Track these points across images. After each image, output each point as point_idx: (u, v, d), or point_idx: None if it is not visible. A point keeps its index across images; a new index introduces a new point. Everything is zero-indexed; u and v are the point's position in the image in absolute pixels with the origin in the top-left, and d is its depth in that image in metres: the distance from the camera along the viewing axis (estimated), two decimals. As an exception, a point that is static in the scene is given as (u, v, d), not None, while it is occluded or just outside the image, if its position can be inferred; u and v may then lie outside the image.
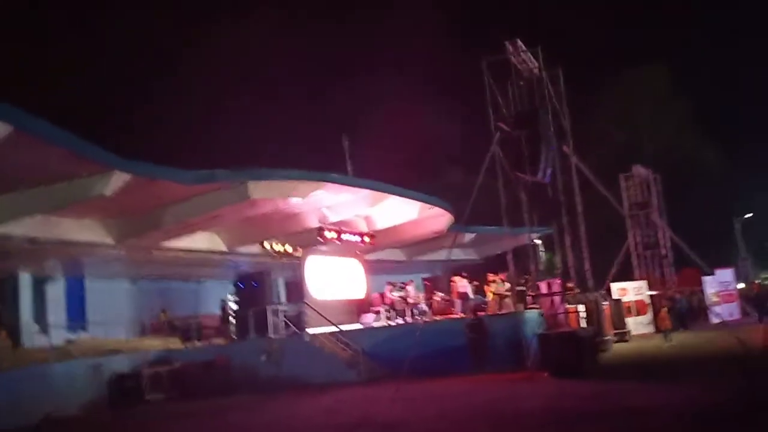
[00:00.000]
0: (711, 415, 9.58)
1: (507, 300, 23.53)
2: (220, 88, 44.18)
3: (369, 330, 23.11)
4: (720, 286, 30.47)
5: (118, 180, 17.38)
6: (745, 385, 11.64)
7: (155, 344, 23.47)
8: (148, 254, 23.48)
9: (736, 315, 29.87)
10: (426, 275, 32.62)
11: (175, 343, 22.88)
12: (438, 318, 24.37)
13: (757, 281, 35.52)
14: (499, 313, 22.64)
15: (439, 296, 26.51)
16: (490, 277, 24.63)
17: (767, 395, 10.50)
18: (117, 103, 40.92)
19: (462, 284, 24.60)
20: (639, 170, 34.26)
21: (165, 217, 21.02)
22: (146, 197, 19.65)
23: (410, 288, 26.01)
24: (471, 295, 24.70)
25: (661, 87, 48.80)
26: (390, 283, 25.91)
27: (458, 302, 24.78)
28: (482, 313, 22.02)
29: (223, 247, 25.68)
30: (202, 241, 24.71)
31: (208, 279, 30.02)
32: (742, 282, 36.20)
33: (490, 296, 24.06)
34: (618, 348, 22.46)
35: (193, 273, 28.86)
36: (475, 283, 25.06)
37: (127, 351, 21.67)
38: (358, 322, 25.54)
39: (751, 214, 45.38)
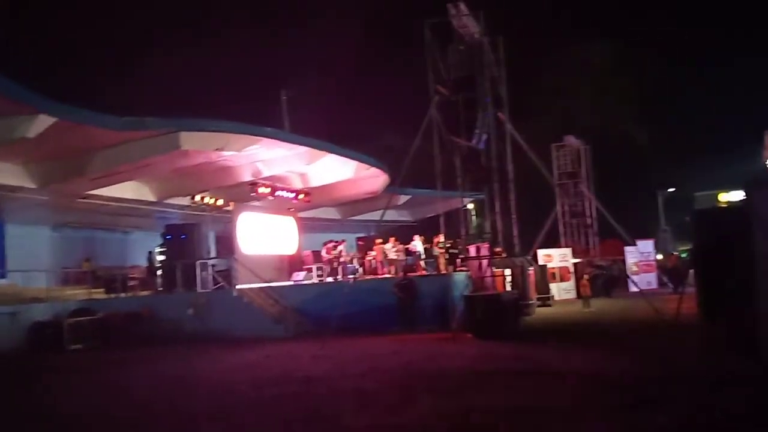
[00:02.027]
0: (614, 380, 10.05)
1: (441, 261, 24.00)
2: (155, 38, 42.63)
3: (299, 287, 23.14)
4: (640, 257, 31.78)
5: (42, 123, 16.69)
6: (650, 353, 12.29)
7: (78, 294, 22.92)
8: (72, 201, 22.78)
9: (654, 285, 31.25)
10: (360, 235, 32.76)
11: (98, 294, 22.39)
12: (369, 277, 24.60)
13: (674, 253, 37.11)
14: (431, 273, 23.08)
15: (371, 256, 26.70)
16: (415, 238, 25.00)
17: (671, 365, 11.09)
18: (45, 46, 39.03)
19: (414, 243, 24.95)
20: (571, 140, 35.06)
21: (91, 164, 20.39)
22: (72, 142, 19.00)
23: (341, 247, 26.16)
24: (423, 254, 25.02)
25: (598, 64, 49.95)
26: (331, 242, 26.07)
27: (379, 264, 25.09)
28: (412, 274, 22.33)
29: (152, 198, 25.14)
30: (130, 190, 24.12)
31: (135, 230, 29.38)
32: (661, 253, 37.83)
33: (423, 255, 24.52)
34: (541, 312, 23.25)
35: (119, 223, 28.20)
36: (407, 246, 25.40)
37: (48, 300, 21.09)
38: (288, 279, 25.54)
39: (673, 189, 47.31)
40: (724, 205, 36.26)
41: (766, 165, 33.02)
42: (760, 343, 10.01)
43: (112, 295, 22.13)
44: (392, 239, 25.63)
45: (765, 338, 9.92)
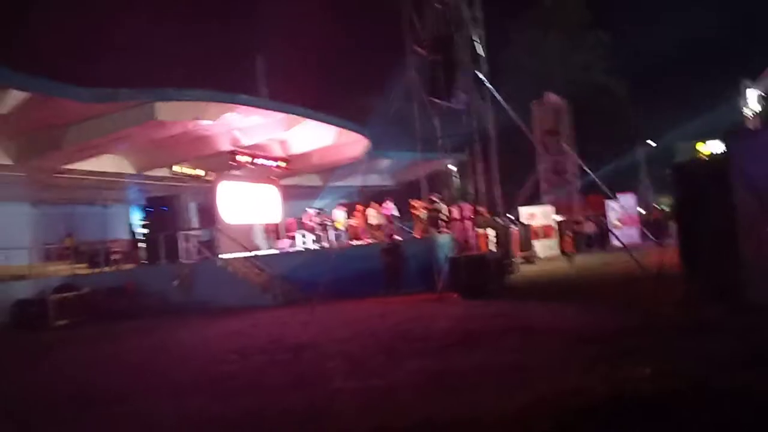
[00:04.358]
0: (599, 334, 10.15)
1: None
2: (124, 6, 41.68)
3: (285, 254, 23.12)
4: (622, 211, 32.01)
5: (13, 97, 16.34)
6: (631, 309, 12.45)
7: (61, 270, 22.75)
8: (50, 176, 22.47)
9: (636, 239, 31.54)
10: (342, 201, 32.66)
11: (82, 269, 22.23)
12: (355, 243, 24.61)
13: (656, 206, 37.47)
14: (417, 237, 23.12)
15: (354, 222, 26.65)
16: (414, 202, 24.91)
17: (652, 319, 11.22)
18: (12, 17, 37.96)
19: (388, 206, 24.86)
20: (550, 97, 34.98)
21: (66, 138, 20.08)
22: (45, 116, 18.66)
23: (337, 212, 26.00)
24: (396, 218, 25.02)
25: (575, 18, 49.73)
26: (314, 208, 26.01)
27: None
28: (398, 238, 22.37)
29: (131, 170, 24.86)
30: (108, 163, 23.84)
31: (116, 203, 29.13)
32: (643, 207, 38.17)
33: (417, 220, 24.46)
34: (525, 269, 23.43)
35: (99, 196, 27.92)
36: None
37: (31, 277, 20.91)
38: (273, 247, 25.50)
39: (652, 142, 47.56)
40: (703, 157, 36.52)
41: (744, 114, 33.20)
42: (743, 289, 10.16)
43: (96, 270, 21.99)
44: (375, 204, 25.61)
45: (747, 284, 10.07)
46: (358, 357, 10.15)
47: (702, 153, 39.30)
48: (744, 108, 32.90)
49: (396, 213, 24.93)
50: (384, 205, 25.12)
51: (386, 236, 22.12)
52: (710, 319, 9.86)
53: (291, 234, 26.49)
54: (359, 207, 25.31)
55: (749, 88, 32.44)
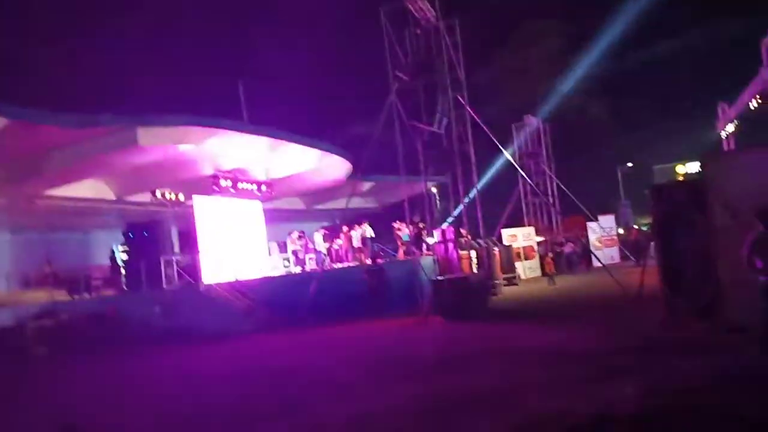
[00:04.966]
0: (581, 354, 10.24)
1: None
2: (108, 33, 41.79)
3: (267, 279, 23.01)
4: (602, 232, 32.28)
5: (-8, 124, 16.26)
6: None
7: (40, 297, 22.44)
8: (30, 203, 22.27)
9: (617, 259, 31.79)
10: (325, 224, 32.69)
11: (61, 296, 21.97)
12: (338, 265, 24.58)
13: (635, 227, 37.83)
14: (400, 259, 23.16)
15: (337, 244, 26.65)
16: (396, 224, 24.99)
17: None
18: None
19: (363, 229, 24.86)
20: (530, 120, 35.37)
21: (47, 164, 19.97)
22: (27, 143, 18.59)
23: (318, 235, 25.95)
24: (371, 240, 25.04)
25: (553, 42, 50.60)
26: (296, 231, 25.95)
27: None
28: (381, 260, 22.38)
29: (112, 196, 24.73)
30: (88, 189, 23.69)
31: (96, 229, 28.88)
32: (622, 228, 38.49)
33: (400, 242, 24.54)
34: (508, 291, 23.51)
35: (79, 223, 27.68)
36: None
37: (9, 304, 20.62)
38: (256, 271, 25.36)
39: (631, 165, 48.15)
40: (681, 178, 37.07)
41: (720, 136, 33.77)
42: (721, 309, 10.30)
43: (76, 297, 21.73)
44: (357, 226, 25.65)
45: (726, 304, 10.21)
46: (345, 382, 10.11)
47: (680, 174, 39.86)
48: (720, 130, 33.50)
49: (372, 235, 24.91)
50: (361, 227, 25.17)
51: (370, 258, 22.13)
52: (690, 339, 9.99)
53: (273, 258, 26.40)
54: (344, 229, 25.33)
55: (726, 110, 33.04)
